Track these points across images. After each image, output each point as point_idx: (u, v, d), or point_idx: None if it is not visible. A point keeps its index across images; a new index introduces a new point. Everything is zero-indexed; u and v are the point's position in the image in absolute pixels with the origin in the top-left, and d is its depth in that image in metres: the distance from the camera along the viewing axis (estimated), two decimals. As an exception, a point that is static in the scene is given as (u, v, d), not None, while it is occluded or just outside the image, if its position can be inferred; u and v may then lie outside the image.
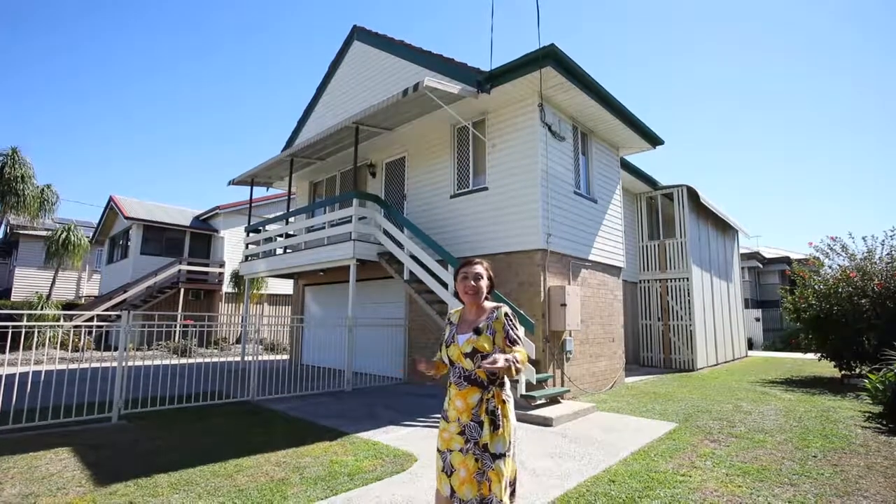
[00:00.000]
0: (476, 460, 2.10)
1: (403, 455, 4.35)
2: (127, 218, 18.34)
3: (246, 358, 10.51)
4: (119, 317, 5.99)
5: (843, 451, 4.49)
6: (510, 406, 2.22)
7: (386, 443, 4.75)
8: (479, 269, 2.33)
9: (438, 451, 2.22)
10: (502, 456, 2.10)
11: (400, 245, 8.29)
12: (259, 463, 4.08)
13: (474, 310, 2.31)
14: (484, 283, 2.31)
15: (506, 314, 2.22)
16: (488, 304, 2.31)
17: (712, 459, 4.25)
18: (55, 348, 12.67)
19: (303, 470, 3.91)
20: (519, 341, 2.21)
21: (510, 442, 2.15)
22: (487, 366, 1.95)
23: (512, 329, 2.21)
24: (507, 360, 2.01)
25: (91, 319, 13.82)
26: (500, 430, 2.12)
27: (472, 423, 2.14)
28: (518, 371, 2.11)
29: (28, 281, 21.87)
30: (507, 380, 2.23)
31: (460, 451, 2.13)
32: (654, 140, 9.89)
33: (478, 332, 2.19)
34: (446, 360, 2.30)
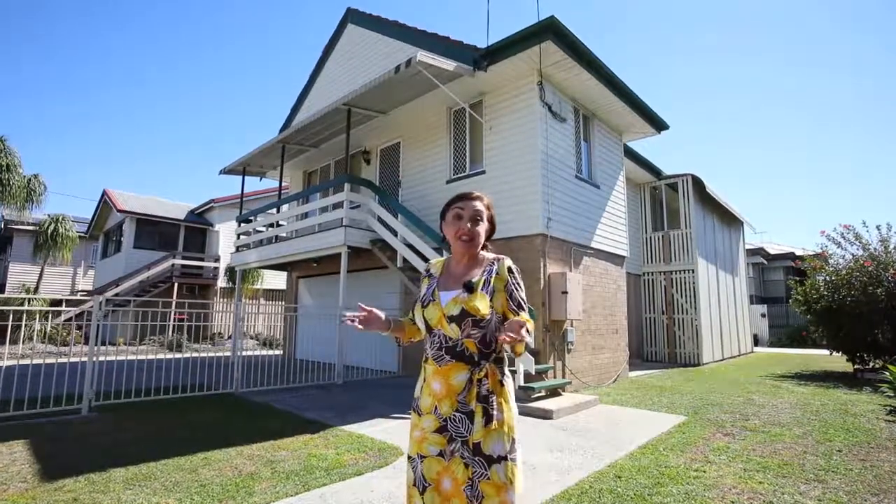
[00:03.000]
0: (466, 466, 1.50)
1: (388, 448, 3.98)
2: (120, 211, 18.02)
3: (239, 346, 10.16)
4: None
5: (869, 446, 4.11)
6: (509, 389, 1.62)
7: (371, 436, 4.39)
8: (479, 206, 1.70)
9: (409, 458, 1.62)
10: (501, 460, 1.50)
11: (394, 232, 7.93)
12: (230, 456, 3.72)
13: (465, 261, 1.71)
14: (483, 226, 1.70)
15: (510, 269, 1.65)
16: (486, 255, 1.72)
17: (727, 454, 3.88)
18: (41, 342, 12.34)
19: (276, 464, 3.55)
20: (524, 305, 1.63)
21: (514, 440, 1.55)
22: (510, 336, 1.39)
23: (517, 288, 1.64)
24: (525, 329, 1.42)
25: (78, 313, 13.47)
26: (497, 422, 1.52)
27: (457, 414, 1.54)
28: (528, 343, 1.52)
29: (21, 276, 21.52)
30: (505, 355, 1.65)
31: (439, 455, 1.53)
32: (658, 125, 9.49)
33: (470, 288, 1.59)
34: (421, 325, 1.70)
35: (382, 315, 1.76)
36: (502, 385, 1.59)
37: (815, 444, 4.15)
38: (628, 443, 4.21)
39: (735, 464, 3.62)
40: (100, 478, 3.19)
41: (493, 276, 1.64)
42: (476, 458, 1.50)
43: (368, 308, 1.75)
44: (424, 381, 1.65)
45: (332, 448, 3.99)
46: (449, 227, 1.72)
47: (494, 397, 1.55)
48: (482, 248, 1.74)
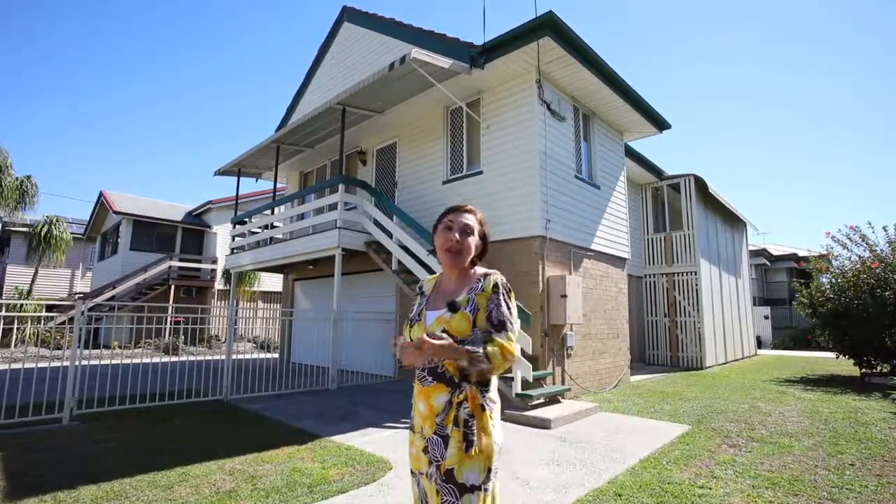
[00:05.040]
0: (437, 493, 1.45)
1: (377, 462, 3.79)
2: (116, 213, 17.87)
3: (233, 356, 9.97)
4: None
5: (883, 459, 3.91)
6: (494, 415, 1.53)
7: (360, 447, 4.20)
8: (470, 219, 1.67)
9: (412, 472, 1.61)
10: (474, 490, 1.43)
11: (389, 234, 7.75)
12: (210, 471, 3.53)
13: (455, 276, 1.67)
14: (473, 240, 1.66)
15: (495, 285, 1.58)
16: (476, 271, 1.67)
17: (734, 468, 3.68)
18: (34, 345, 12.17)
19: (257, 480, 3.36)
20: (507, 325, 1.52)
21: (491, 469, 1.47)
22: (412, 348, 1.43)
23: (499, 306, 1.54)
24: (454, 347, 1.41)
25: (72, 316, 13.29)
26: (475, 449, 1.45)
27: (434, 436, 1.49)
28: (488, 370, 1.43)
29: (18, 279, 21.38)
30: (493, 378, 1.57)
31: (427, 475, 1.51)
32: (660, 123, 9.29)
33: (454, 307, 1.55)
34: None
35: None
36: (483, 410, 1.50)
37: (826, 457, 3.95)
38: (630, 455, 4.01)
39: (742, 479, 3.42)
40: (67, 496, 3.01)
41: (479, 292, 1.57)
42: (448, 486, 1.44)
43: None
44: (414, 399, 1.64)
45: (318, 461, 3.80)
46: (438, 239, 1.68)
47: (474, 422, 1.47)
48: (474, 265, 1.70)
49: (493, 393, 1.56)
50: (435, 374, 1.53)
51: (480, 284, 1.59)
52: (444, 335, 1.47)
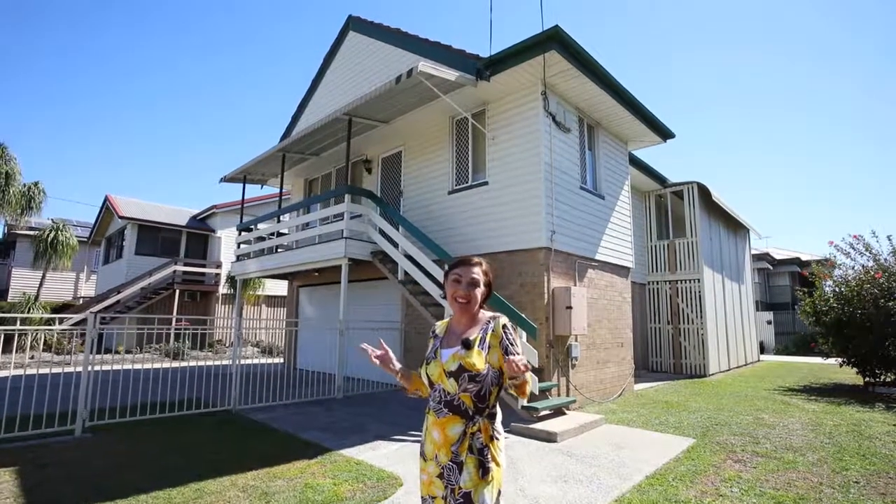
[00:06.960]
0: None
1: (388, 477, 3.85)
2: (121, 217, 17.98)
3: (238, 362, 10.04)
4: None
5: (888, 476, 3.95)
6: (501, 445, 1.74)
7: (370, 462, 4.26)
8: (477, 273, 1.84)
9: (423, 498, 1.77)
10: None
11: (395, 244, 7.81)
12: (224, 487, 3.60)
13: (465, 320, 1.86)
14: (479, 291, 1.83)
15: (504, 326, 1.77)
16: (484, 314, 1.87)
17: (739, 485, 3.72)
18: (42, 350, 12.27)
19: (271, 497, 3.42)
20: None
21: (500, 492, 1.68)
22: (514, 359, 1.52)
23: (512, 345, 1.74)
24: (526, 365, 1.55)
25: (78, 322, 13.39)
26: (490, 475, 1.64)
27: (450, 464, 1.66)
28: (528, 390, 1.66)
29: (24, 282, 21.55)
30: (498, 411, 1.78)
31: (444, 499, 1.67)
32: (664, 133, 9.34)
33: (467, 345, 1.72)
34: (425, 380, 1.88)
35: (397, 364, 1.95)
36: (493, 440, 1.70)
37: (830, 474, 3.99)
38: (636, 471, 4.05)
39: (748, 497, 3.47)
40: (86, 514, 3.07)
41: (489, 333, 1.76)
42: None
43: (385, 348, 1.95)
44: (426, 429, 1.79)
45: (329, 477, 3.86)
46: (448, 289, 1.86)
47: (489, 451, 1.66)
48: (480, 308, 1.87)
49: (500, 425, 1.77)
50: (451, 406, 1.70)
51: (490, 326, 1.78)
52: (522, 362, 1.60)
